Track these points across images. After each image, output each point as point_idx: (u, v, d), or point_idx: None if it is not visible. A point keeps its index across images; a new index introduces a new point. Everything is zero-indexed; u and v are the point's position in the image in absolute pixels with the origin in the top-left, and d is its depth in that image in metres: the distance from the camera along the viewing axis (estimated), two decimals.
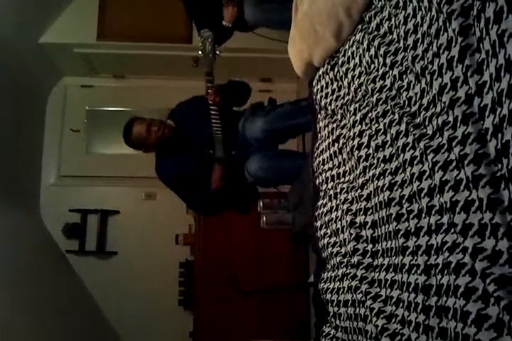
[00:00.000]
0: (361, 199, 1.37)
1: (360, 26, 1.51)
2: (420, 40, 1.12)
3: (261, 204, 2.72)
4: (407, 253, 1.11)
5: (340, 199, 1.51)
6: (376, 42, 1.36)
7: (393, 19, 1.29)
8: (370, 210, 1.32)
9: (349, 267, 1.41)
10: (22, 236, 4.00)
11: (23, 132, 4.44)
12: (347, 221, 1.44)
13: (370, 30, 1.43)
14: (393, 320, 1.14)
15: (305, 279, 3.82)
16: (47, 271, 4.08)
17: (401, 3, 1.24)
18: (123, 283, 4.66)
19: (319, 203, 1.69)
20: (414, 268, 1.07)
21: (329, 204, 1.60)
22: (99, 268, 4.80)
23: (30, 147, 4.71)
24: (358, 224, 1.39)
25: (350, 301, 1.37)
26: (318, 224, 1.68)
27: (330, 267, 1.57)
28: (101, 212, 4.91)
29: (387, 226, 1.22)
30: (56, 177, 5.01)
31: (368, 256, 1.33)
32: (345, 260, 1.45)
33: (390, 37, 1.31)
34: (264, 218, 2.68)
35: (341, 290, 1.44)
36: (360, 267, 1.34)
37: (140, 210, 4.96)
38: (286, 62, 1.98)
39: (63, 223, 4.80)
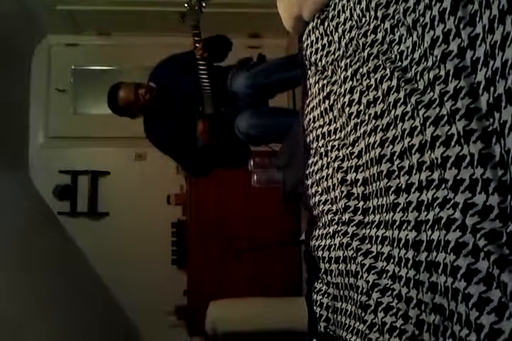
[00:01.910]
0: (352, 157, 1.36)
1: None
2: None
3: (252, 163, 2.72)
4: (398, 209, 1.11)
5: (331, 157, 1.50)
6: None
7: None
8: (361, 167, 1.31)
9: (340, 224, 1.42)
10: (12, 199, 3.99)
11: (8, 93, 4.36)
12: (338, 178, 1.43)
13: None
14: (384, 276, 1.15)
15: (296, 236, 3.87)
16: (39, 233, 4.09)
17: None
18: (115, 243, 4.70)
19: (310, 161, 1.68)
20: (405, 224, 1.07)
21: (320, 162, 1.59)
22: (91, 229, 4.84)
23: (15, 109, 4.64)
24: (349, 182, 1.38)
25: (342, 257, 1.38)
26: (310, 182, 1.67)
27: (321, 225, 1.58)
28: (91, 173, 4.90)
29: (378, 183, 1.22)
30: (44, 138, 4.97)
31: (359, 213, 1.33)
32: (336, 217, 1.45)
33: None
34: (256, 177, 2.68)
35: (332, 247, 1.45)
36: (351, 224, 1.35)
37: (131, 171, 4.95)
38: (276, 17, 1.94)
39: (54, 185, 4.79)
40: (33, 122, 4.91)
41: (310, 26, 1.74)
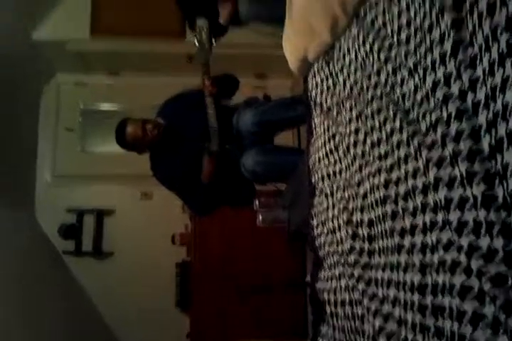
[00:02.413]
0: (357, 197, 1.36)
1: (355, 21, 1.49)
2: (413, 35, 1.10)
3: (257, 202, 2.71)
4: (403, 251, 1.10)
5: (337, 198, 1.50)
6: (371, 38, 1.34)
7: (387, 14, 1.27)
8: (366, 208, 1.30)
9: (346, 266, 1.40)
10: (17, 238, 3.99)
11: (16, 131, 4.42)
12: (343, 219, 1.43)
13: (365, 25, 1.41)
14: (390, 320, 1.13)
15: (302, 278, 3.82)
16: (43, 272, 4.06)
17: None
18: (119, 284, 4.65)
19: (315, 201, 1.68)
20: (410, 267, 1.06)
21: (325, 202, 1.59)
22: (95, 269, 4.80)
23: (24, 146, 4.69)
24: (354, 223, 1.37)
25: (347, 300, 1.36)
26: (315, 222, 1.66)
27: (326, 266, 1.56)
28: (97, 211, 4.89)
29: (383, 224, 1.21)
30: (51, 177, 4.99)
31: (364, 254, 1.32)
32: (341, 259, 1.44)
33: (384, 32, 1.29)
34: (261, 216, 2.67)
35: (338, 289, 1.43)
36: (357, 266, 1.33)
37: (136, 210, 4.95)
38: (281, 58, 1.97)
39: (59, 223, 4.78)
40: (41, 160, 4.96)
41: (315, 67, 1.77)
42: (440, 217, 0.94)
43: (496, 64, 0.81)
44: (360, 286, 1.28)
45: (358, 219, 1.35)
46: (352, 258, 1.36)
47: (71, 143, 5.01)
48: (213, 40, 2.49)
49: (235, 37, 3.06)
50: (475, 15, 0.86)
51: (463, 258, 0.86)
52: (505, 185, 0.79)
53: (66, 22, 4.34)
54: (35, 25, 4.30)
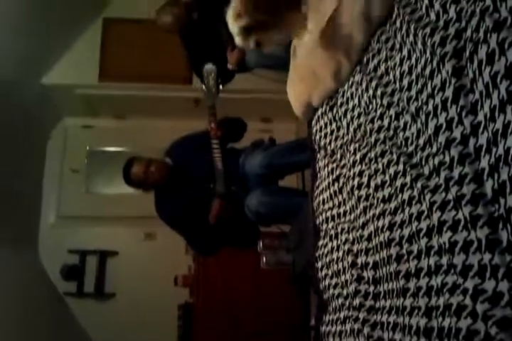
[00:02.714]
0: (362, 240, 1.36)
1: (358, 67, 1.53)
2: (414, 82, 1.13)
3: (261, 244, 2.70)
4: (408, 295, 1.09)
5: (341, 240, 1.50)
6: (374, 84, 1.37)
7: (389, 61, 1.31)
8: (371, 251, 1.30)
9: (351, 309, 1.39)
10: (19, 278, 3.96)
11: (23, 172, 4.45)
12: (348, 262, 1.42)
13: (368, 71, 1.45)
14: None
15: (306, 321, 3.76)
16: (43, 312, 4.01)
17: (397, 46, 1.26)
18: (121, 326, 4.57)
19: (320, 243, 1.68)
20: (416, 311, 1.05)
21: (330, 244, 1.59)
22: (97, 310, 4.73)
23: (30, 187, 4.72)
24: (359, 265, 1.37)
25: None
26: (319, 264, 1.66)
27: (331, 309, 1.55)
28: (100, 253, 4.87)
29: (388, 267, 1.21)
30: (55, 217, 4.99)
31: (369, 298, 1.31)
32: (346, 302, 1.43)
33: (387, 78, 1.32)
34: (265, 258, 2.66)
35: (343, 333, 1.41)
36: (362, 309, 1.32)
37: (139, 251, 4.92)
38: (286, 103, 2.00)
39: (62, 264, 4.75)
40: (46, 201, 4.97)
41: (319, 112, 1.80)
42: (445, 260, 0.94)
43: (497, 110, 0.83)
44: (366, 330, 1.27)
45: (363, 262, 1.35)
46: (357, 301, 1.35)
47: (76, 184, 5.03)
48: (220, 85, 2.55)
49: (241, 82, 3.14)
50: (475, 63, 0.89)
51: (468, 301, 0.86)
52: (509, 228, 0.79)
53: (75, 67, 4.44)
54: (45, 70, 4.40)
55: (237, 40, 1.56)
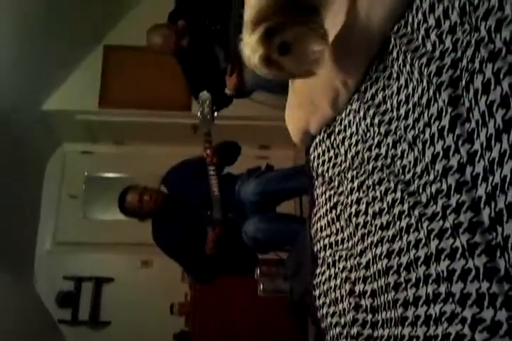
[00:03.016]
0: (360, 268, 1.36)
1: (356, 96, 1.54)
2: (411, 110, 1.14)
3: (258, 271, 2.69)
4: (407, 323, 1.08)
5: (339, 267, 1.49)
6: (371, 112, 1.39)
7: (387, 90, 1.33)
8: (369, 279, 1.30)
9: (349, 339, 1.38)
10: (14, 304, 3.91)
11: (21, 197, 4.45)
12: (346, 290, 1.41)
13: (365, 99, 1.46)
14: None
15: None
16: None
17: (394, 75, 1.28)
18: None
19: (317, 271, 1.67)
20: (414, 340, 1.04)
21: (328, 272, 1.58)
22: (92, 340, 4.67)
23: (27, 212, 4.70)
24: (357, 293, 1.36)
25: None
26: (317, 292, 1.65)
27: (329, 339, 1.53)
28: (95, 279, 4.83)
29: (386, 295, 1.20)
30: (52, 243, 4.97)
31: (367, 327, 1.30)
32: (344, 331, 1.41)
33: (384, 107, 1.34)
34: (262, 286, 2.64)
35: None
36: (360, 338, 1.31)
37: (135, 278, 4.88)
38: (284, 130, 2.01)
39: (57, 291, 4.71)
40: (42, 226, 4.95)
41: (317, 139, 1.81)
42: (443, 288, 0.94)
43: (493, 139, 0.84)
44: None
45: (361, 290, 1.34)
46: (355, 330, 1.34)
47: (73, 210, 5.02)
48: (215, 112, 2.57)
49: (239, 109, 3.17)
50: (471, 93, 0.90)
51: (467, 330, 0.85)
52: (506, 257, 0.79)
53: (76, 94, 4.49)
54: (45, 96, 4.44)
55: (259, 50, 1.29)
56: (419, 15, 1.17)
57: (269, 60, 1.26)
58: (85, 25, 4.25)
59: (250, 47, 1.28)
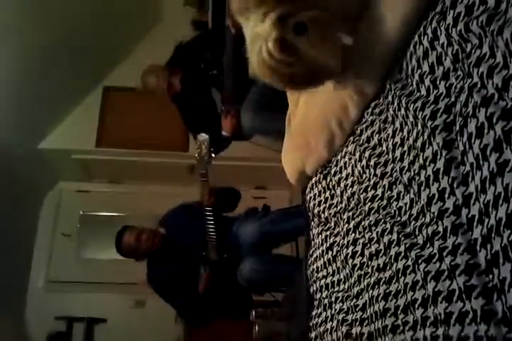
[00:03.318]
0: (357, 309, 1.35)
1: (351, 138, 1.57)
2: (407, 153, 1.16)
3: (253, 313, 2.65)
4: None
5: (336, 309, 1.48)
6: (367, 154, 1.41)
7: (382, 133, 1.35)
8: (366, 321, 1.29)
9: None
10: None
11: (15, 235, 4.42)
12: (343, 332, 1.40)
13: (361, 142, 1.49)
14: None
15: None
16: None
17: (389, 118, 1.30)
18: None
19: (314, 313, 1.66)
20: None
21: (324, 313, 1.57)
22: None
23: (20, 250, 4.66)
24: (354, 336, 1.35)
25: None
26: (313, 335, 1.63)
27: None
28: (87, 320, 4.74)
29: (383, 338, 1.19)
30: (44, 282, 4.91)
31: None
32: None
33: (380, 149, 1.36)
34: (257, 328, 2.60)
35: None
36: None
37: (128, 318, 4.80)
38: (280, 170, 2.03)
39: (48, 331, 4.61)
40: (35, 264, 4.90)
41: (313, 180, 1.83)
42: (441, 331, 0.93)
43: (488, 181, 0.85)
44: None
45: (358, 332, 1.32)
46: None
47: (67, 249, 4.98)
48: (212, 154, 2.60)
49: (236, 150, 3.20)
50: (465, 136, 0.92)
51: None
52: (503, 299, 0.80)
53: (73, 133, 4.53)
54: (43, 135, 4.48)
55: (272, 33, 1.17)
56: (413, 62, 1.21)
57: (283, 43, 1.17)
58: (85, 66, 4.32)
59: (263, 33, 1.19)
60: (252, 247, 2.73)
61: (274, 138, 2.94)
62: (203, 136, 2.57)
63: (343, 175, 1.58)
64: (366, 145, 1.44)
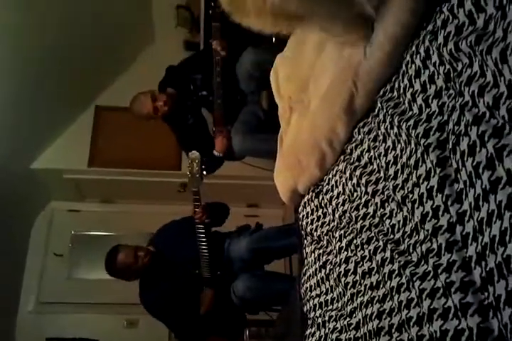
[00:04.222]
0: (350, 328, 1.34)
1: (342, 157, 1.58)
2: (400, 171, 1.17)
3: (247, 333, 2.63)
4: None
5: (329, 328, 1.47)
6: (358, 172, 1.41)
7: (372, 151, 1.36)
8: (360, 340, 1.28)
9: None
10: None
11: (5, 255, 4.36)
12: None
13: (351, 160, 1.50)
14: None
15: None
16: None
17: (380, 137, 1.31)
18: None
19: (307, 332, 1.64)
20: None
21: (318, 333, 1.56)
22: None
23: (11, 270, 4.60)
24: None
25: None
26: None
27: None
28: None
29: None
30: (35, 303, 4.84)
31: None
32: None
33: (371, 167, 1.36)
34: None
35: None
36: None
37: (121, 339, 4.73)
38: (273, 189, 2.04)
39: None
40: (26, 285, 4.83)
41: (305, 199, 1.83)
42: None
43: (481, 199, 0.86)
44: None
45: None
46: None
47: (59, 269, 4.93)
48: (204, 172, 2.61)
49: (229, 169, 3.20)
50: (458, 154, 0.93)
51: None
52: (499, 317, 0.80)
53: (65, 153, 4.51)
54: (35, 154, 4.46)
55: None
56: (405, 81, 1.22)
57: None
58: (77, 86, 4.33)
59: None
60: (245, 263, 2.72)
61: (265, 158, 2.96)
62: (195, 154, 2.58)
63: (335, 193, 1.58)
64: (357, 163, 1.45)
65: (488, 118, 0.87)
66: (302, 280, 1.78)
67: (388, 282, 1.14)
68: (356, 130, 1.50)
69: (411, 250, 1.08)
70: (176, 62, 3.18)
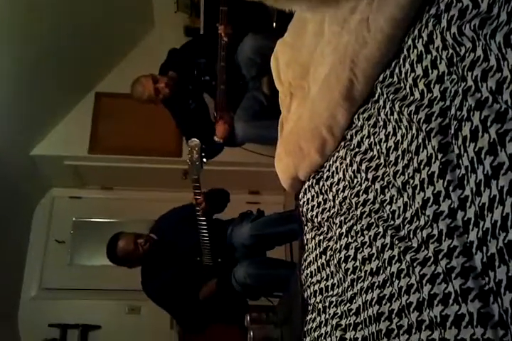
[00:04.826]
0: (350, 314, 1.34)
1: (342, 143, 1.57)
2: (401, 157, 1.16)
3: (248, 318, 2.64)
4: None
5: (329, 314, 1.48)
6: (358, 159, 1.41)
7: (373, 137, 1.35)
8: (360, 325, 1.28)
9: None
10: None
11: (7, 242, 4.38)
12: (337, 337, 1.39)
13: (352, 147, 1.49)
14: None
15: None
16: None
17: (381, 123, 1.30)
18: None
19: (308, 317, 1.65)
20: None
21: (318, 318, 1.56)
22: None
23: (12, 257, 4.63)
24: (348, 340, 1.34)
25: None
26: (308, 339, 1.62)
27: None
28: (81, 327, 4.71)
29: None
30: (37, 289, 4.87)
31: None
32: None
33: (371, 153, 1.36)
34: (252, 333, 2.58)
35: None
36: None
37: (123, 325, 4.77)
38: (274, 176, 2.04)
39: (41, 339, 4.58)
40: (28, 272, 4.86)
41: (306, 185, 1.83)
42: (437, 334, 0.93)
43: (483, 184, 0.85)
44: None
45: (352, 337, 1.32)
46: None
47: (60, 256, 4.95)
48: (204, 159, 2.60)
49: (230, 156, 3.20)
50: (460, 140, 0.92)
51: None
52: (499, 302, 0.79)
53: (66, 139, 4.51)
54: (35, 141, 4.46)
55: None
56: (407, 65, 1.21)
57: None
58: (77, 72, 4.31)
59: None
60: (247, 249, 2.73)
61: (267, 144, 2.95)
62: (195, 141, 2.57)
63: (335, 179, 1.58)
64: (357, 149, 1.45)
65: (491, 103, 0.86)
66: (303, 267, 1.78)
67: (388, 268, 1.14)
68: (356, 116, 1.49)
69: (411, 236, 1.08)
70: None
